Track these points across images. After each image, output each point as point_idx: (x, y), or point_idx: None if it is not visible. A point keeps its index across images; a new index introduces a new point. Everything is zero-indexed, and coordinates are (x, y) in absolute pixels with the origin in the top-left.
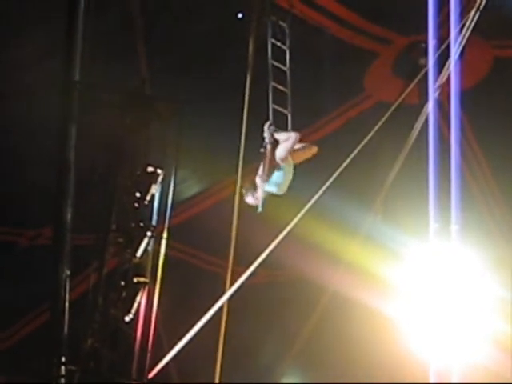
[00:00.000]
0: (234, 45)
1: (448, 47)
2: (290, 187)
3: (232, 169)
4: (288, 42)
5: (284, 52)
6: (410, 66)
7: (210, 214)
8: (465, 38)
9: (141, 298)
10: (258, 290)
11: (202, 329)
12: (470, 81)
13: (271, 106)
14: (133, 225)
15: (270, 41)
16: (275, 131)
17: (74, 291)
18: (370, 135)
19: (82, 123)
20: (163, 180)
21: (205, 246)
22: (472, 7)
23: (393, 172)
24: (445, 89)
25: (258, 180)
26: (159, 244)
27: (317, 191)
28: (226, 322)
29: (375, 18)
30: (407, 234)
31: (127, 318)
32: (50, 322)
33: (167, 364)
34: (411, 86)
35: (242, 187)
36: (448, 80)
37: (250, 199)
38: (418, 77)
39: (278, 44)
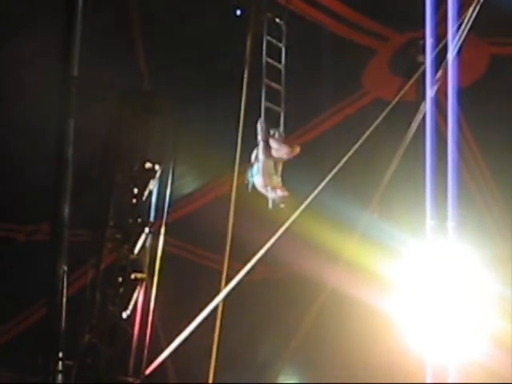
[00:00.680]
0: (232, 41)
1: (445, 45)
2: (287, 184)
3: (230, 165)
4: (284, 40)
5: (280, 49)
6: (408, 63)
7: (207, 210)
8: (462, 35)
9: (138, 294)
10: (256, 286)
11: (199, 325)
12: (467, 78)
13: (264, 103)
14: (130, 221)
15: (266, 38)
16: (267, 129)
17: (72, 287)
18: (368, 132)
19: (79, 119)
20: (161, 176)
21: (203, 242)
22: (470, 5)
23: (390, 169)
24: (442, 86)
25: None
26: (157, 240)
27: (314, 188)
28: (224, 318)
29: (373, 15)
30: (404, 232)
31: (125, 314)
32: (48, 317)
33: (164, 360)
34: (409, 83)
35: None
36: (445, 77)
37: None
38: (416, 74)
39: (274, 41)
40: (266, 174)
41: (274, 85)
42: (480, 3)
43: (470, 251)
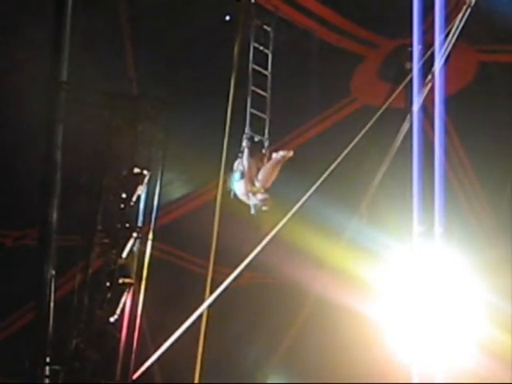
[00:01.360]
0: (220, 47)
1: (433, 52)
2: (275, 191)
3: (217, 171)
4: (271, 46)
5: (267, 56)
6: (396, 70)
7: (195, 215)
8: (450, 43)
9: (126, 299)
10: (243, 292)
11: (186, 330)
12: (455, 85)
13: (249, 110)
14: (118, 226)
15: (253, 45)
16: (252, 136)
17: (60, 291)
18: (357, 139)
19: (68, 124)
20: (149, 181)
21: (190, 247)
22: (458, 12)
23: (378, 175)
24: (430, 93)
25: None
26: (145, 245)
27: (302, 195)
28: (210, 323)
29: (362, 22)
30: (392, 237)
31: (112, 319)
32: (35, 321)
33: (151, 365)
34: (398, 90)
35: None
36: (433, 85)
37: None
38: (405, 81)
39: (261, 48)
40: (248, 181)
41: (260, 91)
42: (468, 11)
43: (457, 257)
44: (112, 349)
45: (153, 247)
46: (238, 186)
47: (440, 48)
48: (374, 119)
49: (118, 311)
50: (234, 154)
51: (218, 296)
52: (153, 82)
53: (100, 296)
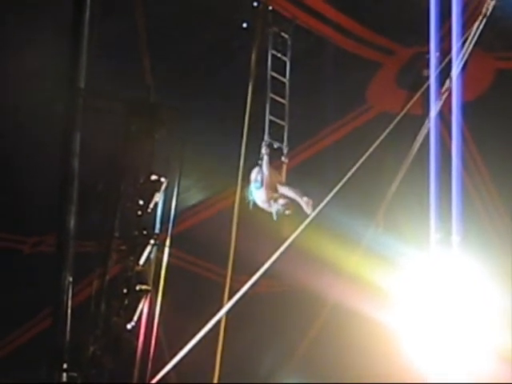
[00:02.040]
0: (237, 54)
1: (451, 59)
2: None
3: (235, 178)
4: (289, 54)
5: (285, 63)
6: (413, 77)
7: (212, 222)
8: (467, 50)
9: (143, 306)
10: (260, 299)
11: (203, 337)
12: (472, 92)
13: (268, 117)
14: (136, 232)
15: (271, 52)
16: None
17: (76, 298)
18: (374, 146)
19: (86, 131)
20: (166, 188)
21: (207, 254)
22: (475, 20)
23: (395, 183)
24: (447, 100)
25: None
26: (162, 252)
27: (319, 202)
28: (227, 330)
29: (379, 29)
30: (409, 245)
31: (129, 326)
32: (52, 328)
33: (168, 372)
34: (415, 97)
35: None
36: (450, 92)
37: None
38: (422, 89)
39: (279, 55)
40: (269, 188)
41: (278, 99)
42: (485, 18)
43: (473, 265)
44: (129, 356)
45: (170, 254)
46: (258, 195)
47: (457, 55)
48: (391, 126)
49: (135, 318)
50: (251, 161)
51: (235, 303)
52: (170, 90)
53: (117, 303)
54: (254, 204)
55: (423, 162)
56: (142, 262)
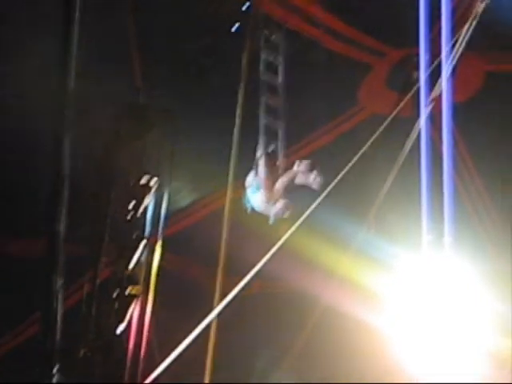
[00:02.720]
0: (228, 56)
1: (440, 62)
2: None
3: (226, 180)
4: (281, 57)
5: (277, 66)
6: (404, 79)
7: (203, 225)
8: (457, 53)
9: (134, 309)
10: (251, 301)
11: (194, 340)
12: (462, 95)
13: (262, 119)
14: (126, 235)
15: (263, 55)
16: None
17: (67, 301)
18: (364, 148)
19: (75, 134)
20: (157, 191)
21: (198, 256)
22: (465, 22)
23: (386, 185)
24: (438, 102)
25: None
26: (152, 255)
27: (310, 204)
28: (219, 333)
29: (369, 31)
30: (400, 247)
31: (120, 329)
32: (42, 331)
33: (159, 374)
34: (405, 99)
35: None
36: (441, 94)
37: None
38: (412, 91)
39: (271, 58)
40: (267, 189)
41: (271, 101)
42: (475, 20)
43: (466, 266)
44: (120, 359)
45: (160, 257)
46: (256, 199)
47: (447, 57)
48: (381, 128)
49: (126, 321)
50: (243, 162)
51: (227, 305)
52: (160, 92)
53: (108, 306)
54: (253, 210)
55: (414, 163)
56: (132, 265)
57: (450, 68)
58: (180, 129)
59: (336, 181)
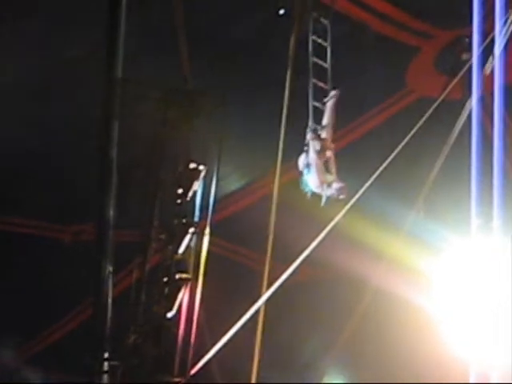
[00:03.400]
0: (275, 41)
1: (492, 41)
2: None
3: (274, 165)
4: (329, 39)
5: (325, 48)
6: (453, 61)
7: (252, 210)
8: (510, 31)
9: (183, 295)
10: (301, 286)
11: (243, 325)
12: None
13: (311, 103)
14: (175, 221)
15: (311, 37)
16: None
17: (117, 287)
18: (413, 131)
19: (124, 119)
20: (205, 176)
21: (247, 242)
22: None
23: (436, 168)
24: (488, 84)
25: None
26: (201, 240)
27: (359, 187)
28: (268, 318)
29: (417, 13)
30: (450, 230)
31: (169, 315)
32: (93, 317)
33: (209, 360)
34: (454, 81)
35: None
36: (491, 75)
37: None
38: (462, 72)
39: (319, 41)
40: (319, 172)
41: (321, 84)
42: None
43: None
44: (170, 344)
45: (210, 242)
46: (311, 181)
47: (499, 36)
48: (430, 111)
49: (176, 307)
50: (291, 146)
51: (276, 291)
52: (208, 77)
53: (157, 292)
54: (312, 193)
55: (464, 146)
56: (181, 250)
57: (502, 46)
58: (228, 114)
59: (385, 164)
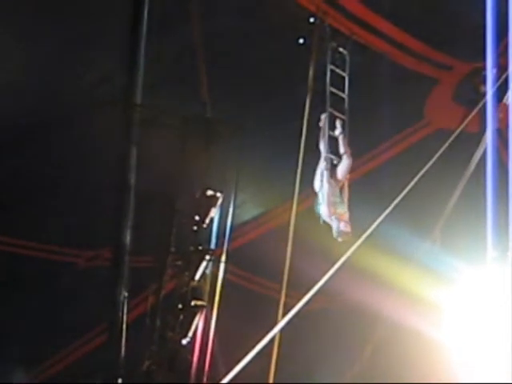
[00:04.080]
0: (294, 70)
1: (508, 76)
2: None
3: (291, 194)
4: (348, 69)
5: (343, 78)
6: (471, 93)
7: (267, 238)
8: None
9: (198, 322)
10: (314, 316)
11: (257, 353)
12: None
13: (327, 133)
14: (191, 248)
15: (329, 67)
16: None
17: (132, 313)
18: (431, 163)
19: (142, 146)
20: (222, 204)
21: (262, 270)
22: None
23: (452, 200)
24: (504, 117)
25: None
26: (217, 268)
27: (374, 219)
28: (282, 347)
29: (436, 44)
30: (465, 262)
31: (184, 341)
32: (107, 343)
33: None
34: (472, 113)
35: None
36: (507, 108)
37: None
38: (479, 105)
39: (338, 70)
40: (330, 203)
41: (338, 114)
42: None
43: None
44: (184, 371)
45: (225, 270)
46: (322, 209)
47: None
48: (447, 143)
49: (191, 334)
50: (308, 176)
51: (290, 320)
52: (226, 105)
53: (172, 318)
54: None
55: (480, 178)
56: (197, 277)
57: None
58: (245, 141)
59: (402, 195)
